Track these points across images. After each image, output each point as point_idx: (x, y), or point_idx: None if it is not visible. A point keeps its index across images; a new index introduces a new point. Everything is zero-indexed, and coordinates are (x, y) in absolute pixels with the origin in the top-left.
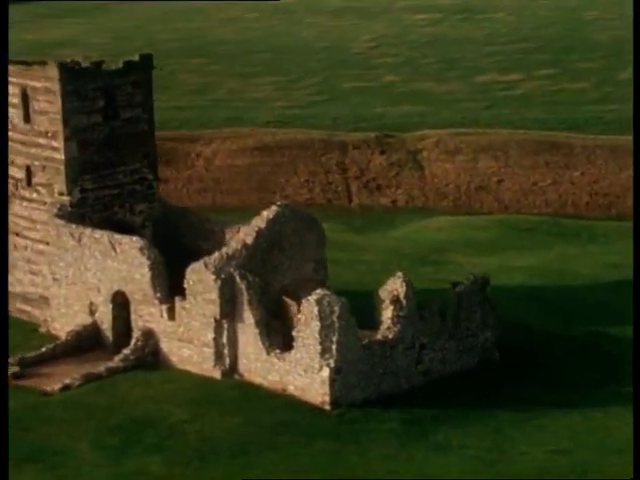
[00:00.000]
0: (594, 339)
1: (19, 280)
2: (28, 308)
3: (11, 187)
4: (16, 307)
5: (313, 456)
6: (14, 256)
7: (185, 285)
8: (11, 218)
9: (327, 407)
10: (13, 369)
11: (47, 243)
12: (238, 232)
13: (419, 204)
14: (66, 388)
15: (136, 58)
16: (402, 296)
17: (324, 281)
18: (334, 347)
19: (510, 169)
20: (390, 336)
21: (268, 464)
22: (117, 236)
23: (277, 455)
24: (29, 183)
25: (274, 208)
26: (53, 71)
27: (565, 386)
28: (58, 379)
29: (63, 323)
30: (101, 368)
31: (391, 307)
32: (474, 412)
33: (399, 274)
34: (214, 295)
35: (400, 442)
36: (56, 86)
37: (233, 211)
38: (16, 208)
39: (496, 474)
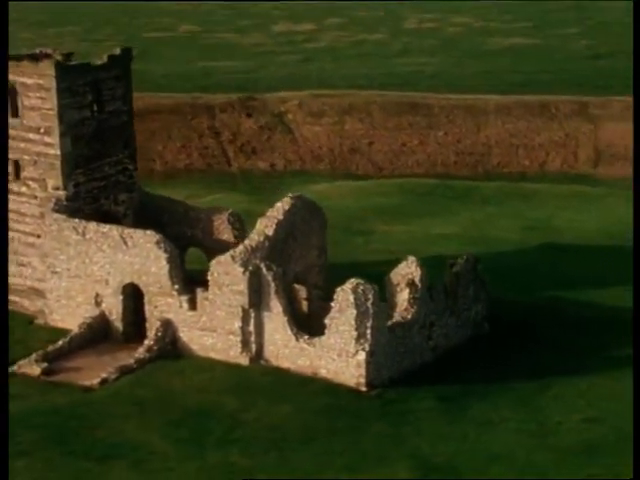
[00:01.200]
0: (558, 304)
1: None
2: (16, 299)
3: None
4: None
5: (376, 439)
6: None
7: (209, 277)
8: None
9: (363, 388)
10: (41, 365)
11: (38, 236)
12: (227, 218)
13: (297, 167)
14: (104, 382)
15: (117, 52)
16: (417, 279)
17: (325, 266)
18: (368, 332)
19: (377, 131)
20: (409, 317)
21: (339, 450)
22: (128, 230)
23: (343, 440)
24: (17, 177)
25: (288, 199)
26: (48, 68)
27: (559, 353)
28: (89, 373)
29: (63, 314)
30: (130, 360)
31: (407, 290)
32: (493, 385)
33: (412, 258)
34: (242, 286)
35: (446, 420)
36: (51, 83)
37: None
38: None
39: (553, 446)
